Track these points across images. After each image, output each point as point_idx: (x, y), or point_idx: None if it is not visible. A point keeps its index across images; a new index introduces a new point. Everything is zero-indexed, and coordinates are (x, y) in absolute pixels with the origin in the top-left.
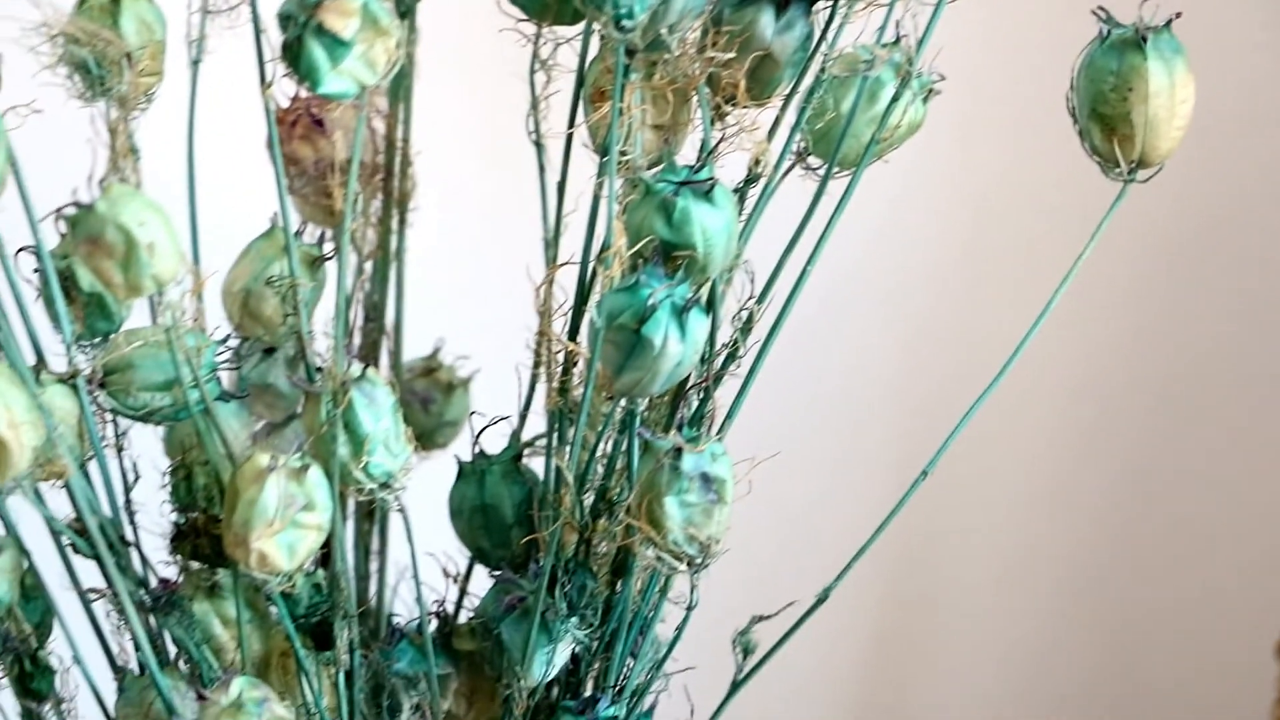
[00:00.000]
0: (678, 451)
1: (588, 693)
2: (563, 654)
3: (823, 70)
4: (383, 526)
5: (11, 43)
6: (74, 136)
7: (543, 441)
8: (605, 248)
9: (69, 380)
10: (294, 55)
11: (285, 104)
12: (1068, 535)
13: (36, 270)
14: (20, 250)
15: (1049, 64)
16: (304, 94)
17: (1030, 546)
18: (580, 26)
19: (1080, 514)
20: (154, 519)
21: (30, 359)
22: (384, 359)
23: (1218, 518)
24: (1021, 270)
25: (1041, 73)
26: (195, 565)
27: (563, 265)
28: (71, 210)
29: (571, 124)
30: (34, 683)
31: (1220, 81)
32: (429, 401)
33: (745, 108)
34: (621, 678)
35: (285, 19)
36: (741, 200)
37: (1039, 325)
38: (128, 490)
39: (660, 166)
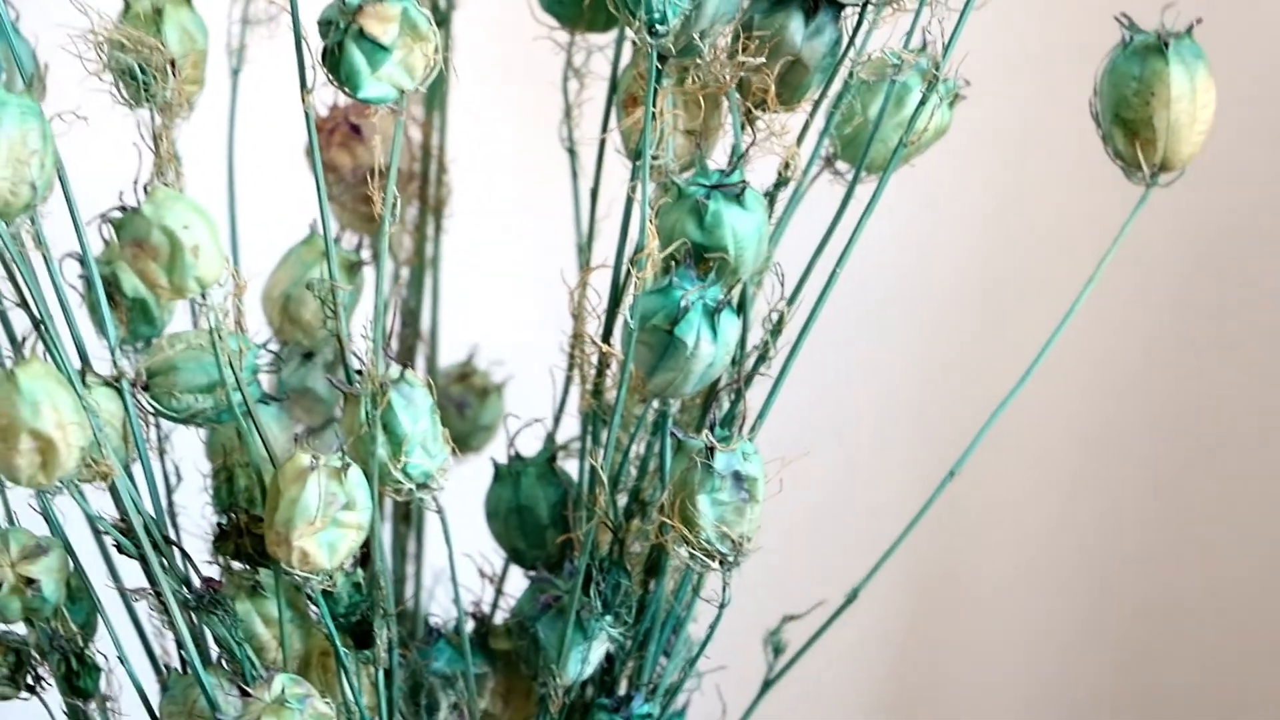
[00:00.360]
0: (710, 451)
1: (622, 691)
2: (597, 652)
3: (851, 75)
4: (419, 529)
5: (58, 49)
6: (118, 143)
7: (577, 444)
8: (638, 251)
9: (114, 383)
10: (334, 60)
11: (324, 113)
12: (1092, 529)
13: (82, 276)
14: (66, 256)
15: (1073, 69)
16: (342, 103)
17: (1055, 542)
18: (613, 34)
19: (1105, 508)
20: (195, 521)
21: (76, 362)
22: (420, 364)
23: (1242, 513)
24: (1047, 271)
25: (1066, 77)
26: (237, 565)
27: (596, 269)
28: (117, 214)
29: (604, 130)
30: (80, 681)
31: (1245, 85)
32: (464, 406)
33: (775, 112)
34: (655, 676)
35: (326, 25)
36: (772, 203)
37: (1065, 325)
38: (170, 491)
39: (692, 170)
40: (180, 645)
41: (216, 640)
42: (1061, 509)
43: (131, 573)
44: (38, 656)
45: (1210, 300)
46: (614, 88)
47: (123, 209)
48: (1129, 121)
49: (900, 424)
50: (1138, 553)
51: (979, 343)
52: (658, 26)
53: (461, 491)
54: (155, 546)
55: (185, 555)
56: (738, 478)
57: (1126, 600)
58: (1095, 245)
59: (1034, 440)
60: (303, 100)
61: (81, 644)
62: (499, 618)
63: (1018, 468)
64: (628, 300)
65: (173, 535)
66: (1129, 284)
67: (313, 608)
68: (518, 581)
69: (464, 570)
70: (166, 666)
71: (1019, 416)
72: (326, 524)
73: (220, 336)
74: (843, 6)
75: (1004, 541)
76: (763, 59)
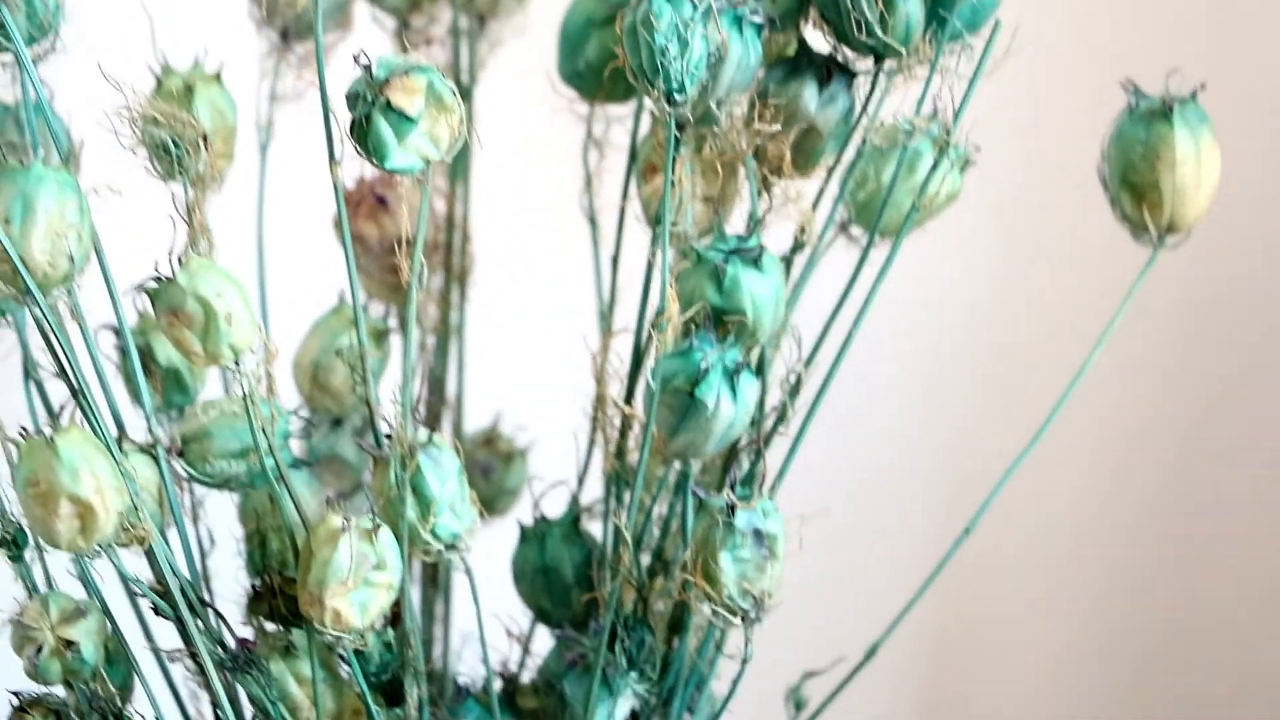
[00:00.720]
0: (731, 509)
1: None
2: (623, 709)
3: (864, 142)
4: (447, 590)
5: (93, 125)
6: (152, 215)
7: (600, 505)
8: (659, 315)
9: (150, 450)
10: (362, 132)
11: (351, 186)
12: (1106, 584)
13: (117, 345)
14: (102, 327)
15: (1081, 134)
16: (369, 176)
17: (1069, 596)
18: (631, 104)
19: (1118, 563)
20: (229, 584)
21: (113, 430)
22: (447, 429)
23: (1252, 564)
24: (1059, 331)
25: (1074, 142)
26: (271, 626)
27: (618, 334)
28: (153, 284)
29: (624, 198)
30: None
31: (1249, 149)
32: (490, 470)
33: (791, 178)
34: None
35: (353, 98)
36: (788, 267)
37: (1076, 384)
38: (204, 555)
39: (710, 236)
40: (216, 705)
41: (251, 700)
42: (1074, 564)
43: (168, 635)
44: (77, 718)
45: (1215, 358)
46: (633, 157)
47: (158, 279)
48: (1136, 185)
49: (916, 481)
50: (1151, 607)
51: (992, 401)
52: (675, 96)
53: (488, 553)
54: (191, 608)
55: (220, 617)
56: (758, 535)
57: (1141, 654)
58: (1105, 305)
59: (1047, 496)
60: (331, 172)
61: (120, 705)
62: (526, 676)
63: (1031, 524)
64: (649, 363)
65: (207, 597)
66: (1138, 341)
67: (345, 667)
68: (544, 640)
69: (491, 630)
70: None
71: (1032, 472)
72: (358, 584)
73: (253, 403)
74: (855, 75)
75: (1019, 597)
76: (778, 126)
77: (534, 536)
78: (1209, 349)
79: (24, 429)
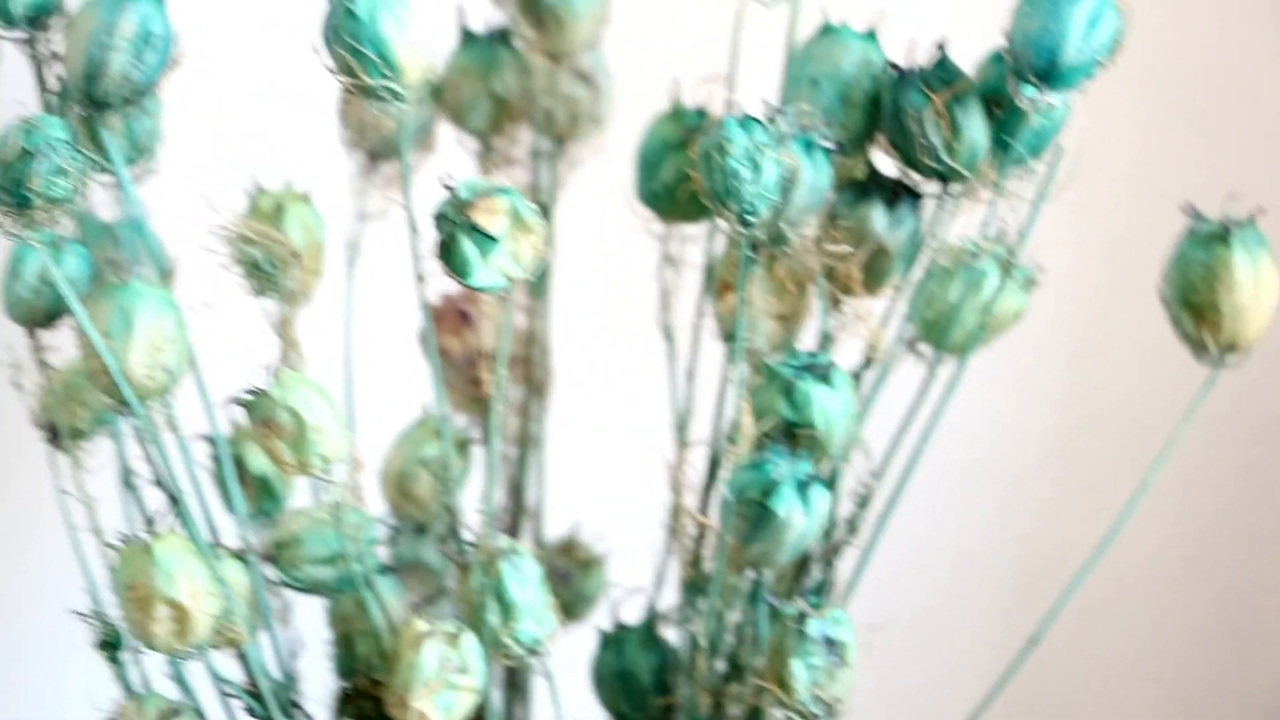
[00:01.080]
0: (803, 617)
1: None
2: None
3: (931, 262)
4: (526, 695)
5: (191, 244)
6: (245, 329)
7: (676, 612)
8: (733, 428)
9: (242, 555)
10: (447, 251)
11: (436, 301)
12: (1177, 692)
13: (212, 455)
14: (197, 437)
15: (1144, 256)
16: (453, 292)
17: (1136, 706)
18: (706, 224)
19: (1187, 672)
20: (316, 686)
21: (207, 536)
22: (527, 537)
23: None
24: (1121, 446)
25: (1137, 264)
26: None
27: (693, 446)
28: (246, 396)
29: (699, 315)
30: None
31: None
32: (569, 577)
33: (860, 297)
34: None
35: (439, 219)
36: (858, 383)
37: (1139, 499)
38: (294, 657)
39: (782, 352)
40: None
41: None
42: (1143, 672)
43: None
44: None
45: (1274, 473)
46: (708, 275)
47: (251, 391)
48: (1196, 305)
49: (982, 592)
50: (1224, 711)
51: (1059, 512)
52: (749, 218)
53: (568, 658)
54: (282, 709)
55: (309, 718)
56: (829, 642)
57: None
58: (1169, 417)
59: (1114, 605)
60: (418, 290)
61: None
62: None
63: (1099, 634)
64: (723, 475)
65: (297, 699)
66: (1202, 452)
67: None
68: None
69: None
70: None
71: (1099, 582)
72: (442, 687)
73: (341, 511)
74: (922, 197)
75: (1087, 706)
76: (848, 247)
77: (612, 642)
78: (1273, 457)
79: (122, 535)
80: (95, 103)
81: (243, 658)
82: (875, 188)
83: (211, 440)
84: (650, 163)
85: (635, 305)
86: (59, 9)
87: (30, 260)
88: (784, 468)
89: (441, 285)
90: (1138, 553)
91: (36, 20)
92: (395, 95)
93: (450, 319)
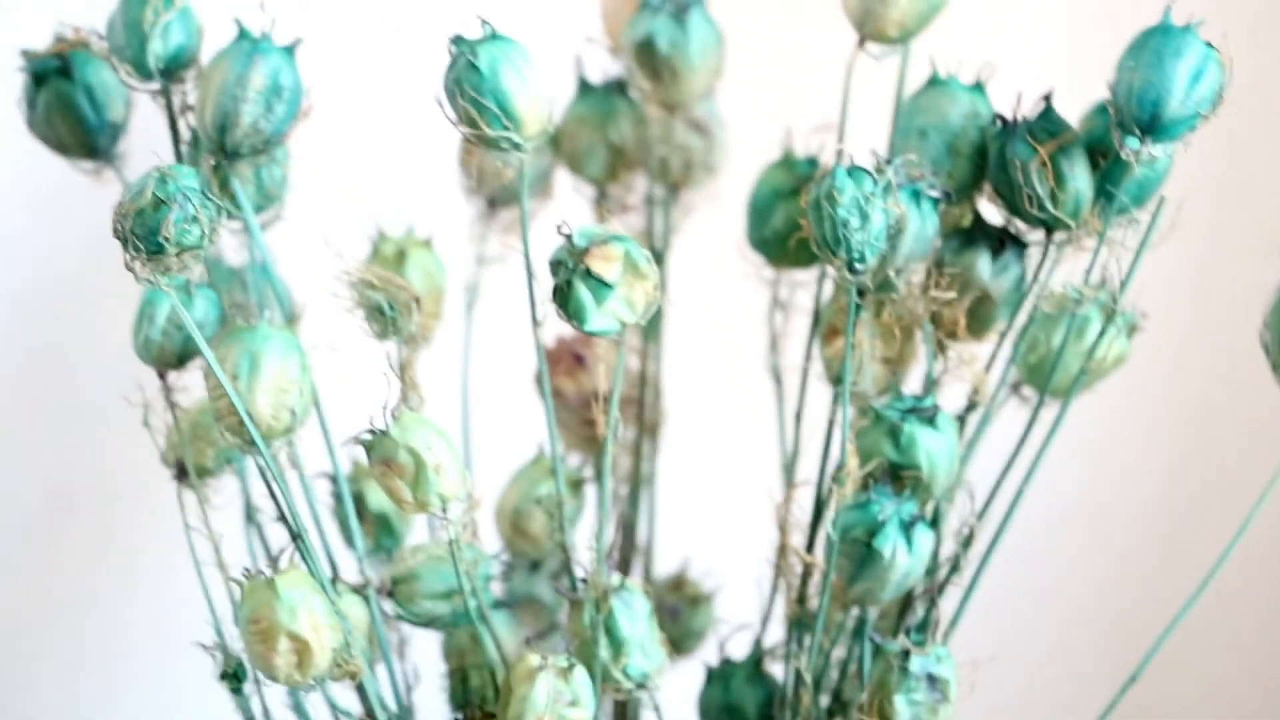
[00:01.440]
0: (906, 654)
1: None
2: None
3: (1035, 308)
4: None
5: (316, 289)
6: (367, 371)
7: (782, 648)
8: (839, 469)
9: (361, 590)
10: (563, 296)
11: (551, 344)
12: None
13: (333, 493)
14: (318, 475)
15: (1244, 302)
16: (567, 335)
17: None
18: (814, 271)
19: None
20: (431, 718)
21: (327, 571)
22: (637, 573)
23: None
24: (1221, 487)
25: (1237, 309)
26: None
27: (800, 486)
28: (367, 436)
29: (807, 358)
30: None
31: None
32: (677, 612)
33: (965, 342)
34: None
35: (556, 265)
36: (962, 426)
37: (1239, 539)
38: (410, 690)
39: (889, 395)
40: None
41: None
42: (1239, 714)
43: None
44: None
45: None
46: (816, 320)
47: (372, 431)
48: None
49: (1082, 630)
50: None
51: (1158, 551)
52: (857, 265)
53: (676, 692)
54: None
55: None
56: (931, 679)
57: None
58: (1266, 462)
59: (1214, 646)
60: (534, 333)
61: None
62: None
63: (1196, 672)
64: (829, 515)
65: None
66: None
67: None
68: None
69: None
70: None
71: (1196, 623)
72: (554, 719)
73: (458, 548)
74: (1027, 245)
75: None
76: (953, 294)
77: (719, 677)
78: None
79: (246, 570)
80: (226, 152)
81: (360, 689)
82: (981, 236)
83: (333, 478)
84: (761, 210)
85: (745, 349)
86: (193, 61)
87: (161, 304)
88: (889, 508)
89: (557, 328)
90: (1238, 592)
91: (170, 73)
92: (515, 146)
93: (565, 361)
